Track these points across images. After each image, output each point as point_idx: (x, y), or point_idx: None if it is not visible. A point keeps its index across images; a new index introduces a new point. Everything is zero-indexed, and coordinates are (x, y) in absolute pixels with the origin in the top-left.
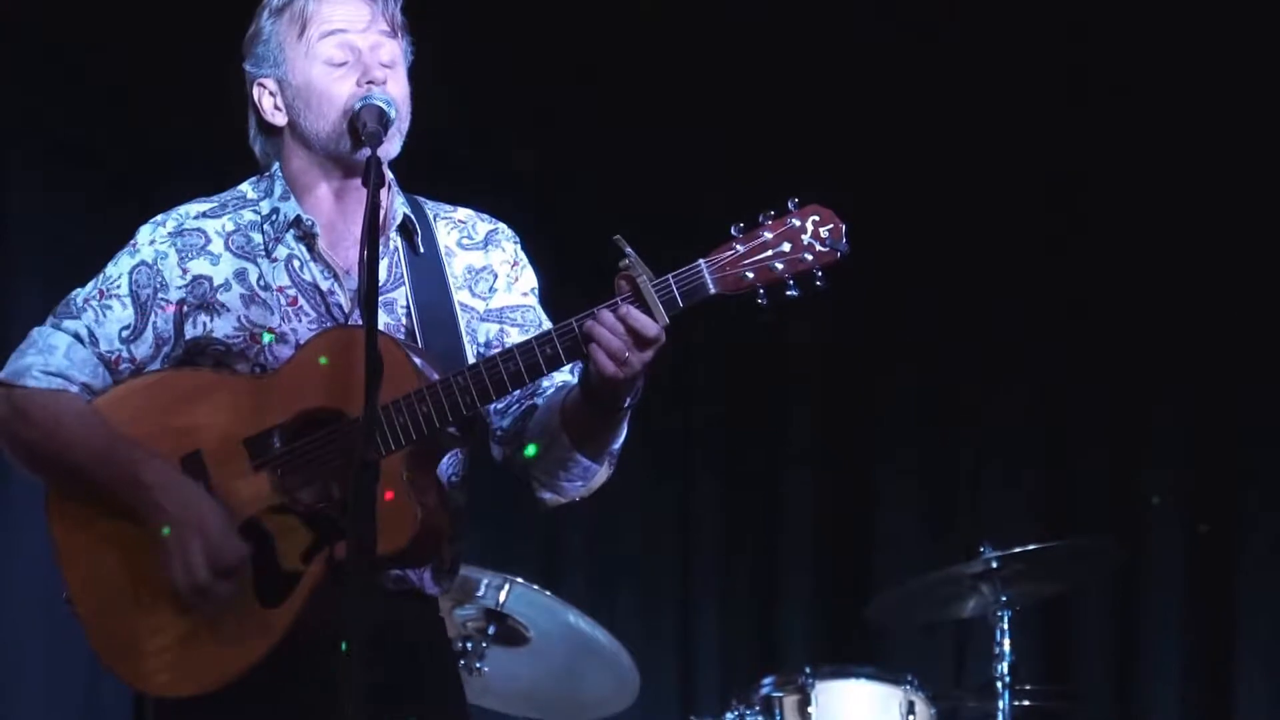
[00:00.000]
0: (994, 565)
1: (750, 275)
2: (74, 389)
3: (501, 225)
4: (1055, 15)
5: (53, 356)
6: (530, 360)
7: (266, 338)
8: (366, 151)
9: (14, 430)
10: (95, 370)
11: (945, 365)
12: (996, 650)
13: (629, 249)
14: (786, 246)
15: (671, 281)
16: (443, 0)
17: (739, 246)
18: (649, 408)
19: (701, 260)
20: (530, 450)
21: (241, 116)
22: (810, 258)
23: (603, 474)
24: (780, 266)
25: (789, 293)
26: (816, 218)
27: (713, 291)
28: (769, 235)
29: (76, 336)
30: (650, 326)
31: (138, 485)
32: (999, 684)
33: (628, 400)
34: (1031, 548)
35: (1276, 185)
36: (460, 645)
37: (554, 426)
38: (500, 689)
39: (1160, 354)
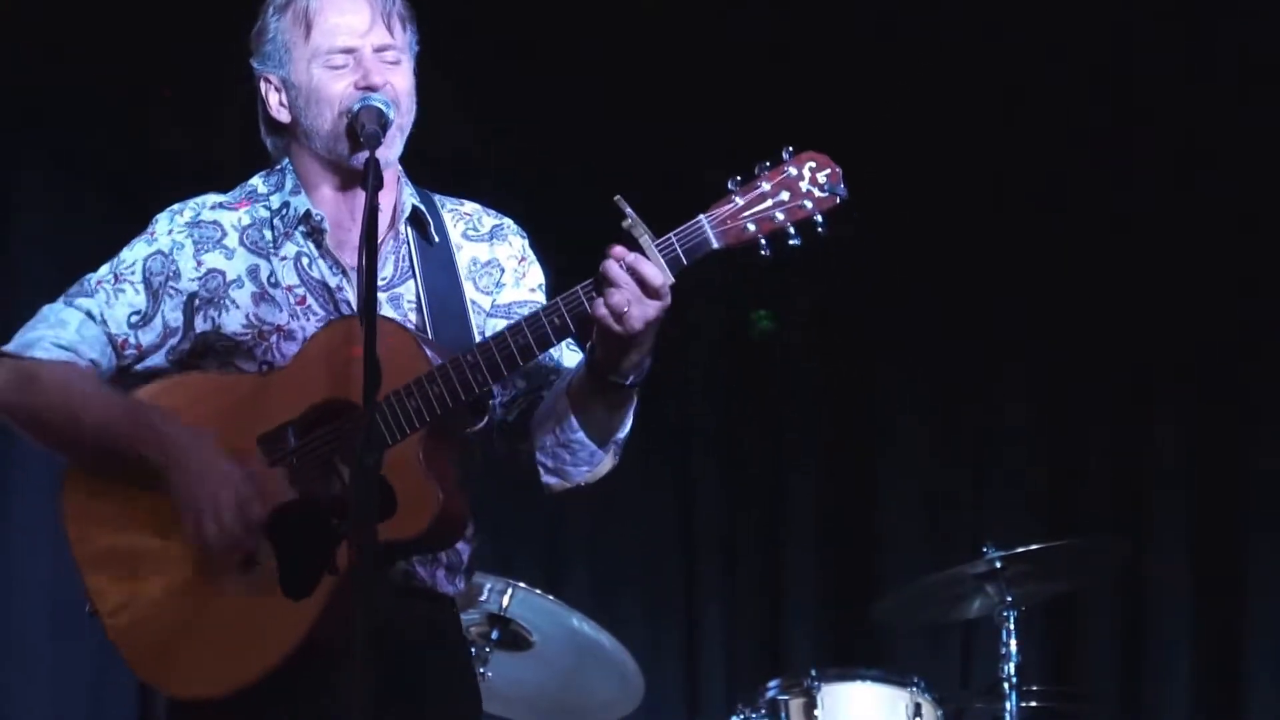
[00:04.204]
0: (998, 565)
1: (752, 227)
2: (83, 363)
3: (508, 220)
4: (1057, 11)
5: (64, 331)
6: (538, 332)
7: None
8: (364, 154)
9: (24, 399)
10: (104, 349)
11: (947, 364)
12: (1003, 651)
13: (629, 209)
14: (785, 195)
15: (674, 239)
16: None
17: (738, 199)
18: (650, 409)
19: (702, 215)
20: None
21: (246, 121)
22: (810, 204)
23: (608, 462)
24: (781, 216)
25: (791, 241)
26: (813, 164)
27: (716, 246)
28: (767, 185)
29: (89, 314)
30: (656, 274)
31: (159, 443)
32: (1005, 685)
33: (632, 376)
34: (1034, 547)
35: (1276, 183)
36: None
37: (560, 409)
38: (504, 694)
39: (1162, 351)
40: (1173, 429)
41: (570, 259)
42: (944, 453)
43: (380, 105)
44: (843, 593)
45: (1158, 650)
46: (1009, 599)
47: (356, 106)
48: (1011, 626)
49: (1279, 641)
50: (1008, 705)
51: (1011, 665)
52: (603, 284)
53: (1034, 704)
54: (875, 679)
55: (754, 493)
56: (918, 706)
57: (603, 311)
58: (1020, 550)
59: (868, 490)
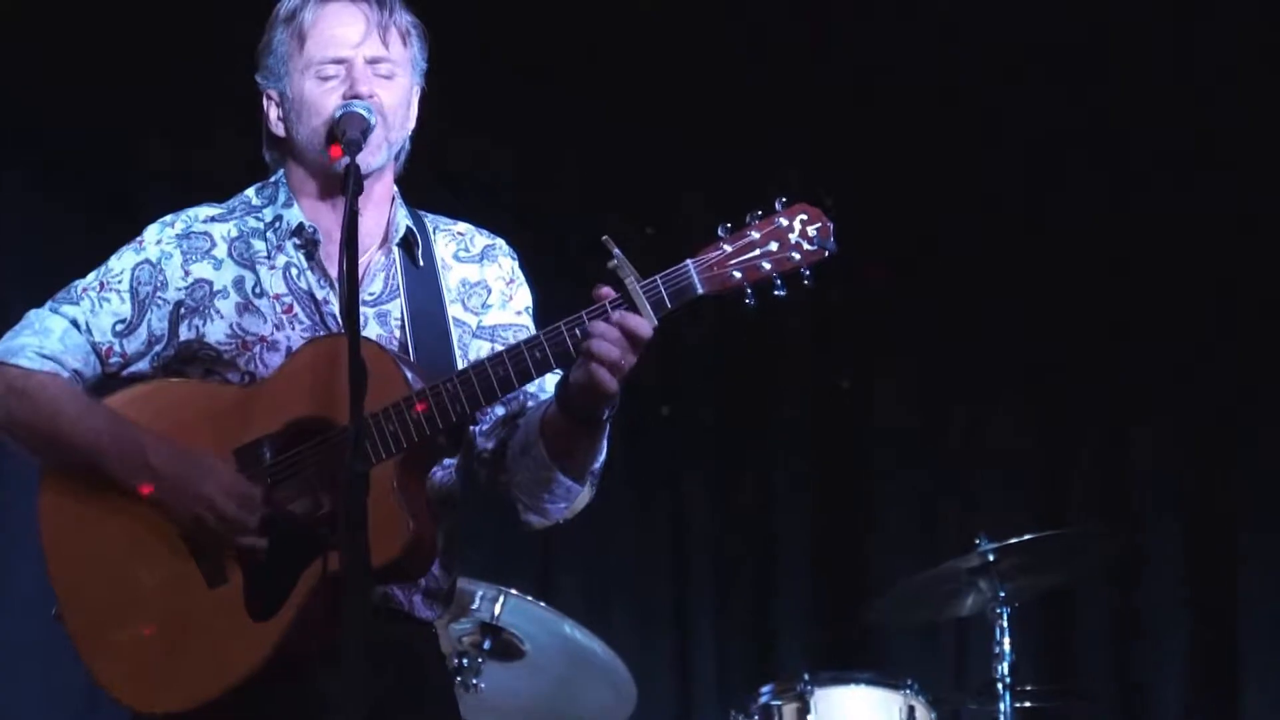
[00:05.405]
0: (990, 558)
1: (738, 275)
2: (65, 374)
3: (500, 241)
4: (1056, 11)
5: (48, 339)
6: (519, 365)
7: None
8: (345, 160)
9: (11, 408)
10: (87, 358)
11: (939, 361)
12: (996, 650)
13: (616, 250)
14: (774, 246)
15: (659, 282)
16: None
17: (726, 246)
18: (643, 414)
19: (689, 260)
20: None
21: (235, 134)
22: (798, 257)
23: (585, 495)
24: (768, 266)
25: (776, 292)
26: (804, 216)
27: (701, 291)
28: (756, 235)
29: (74, 322)
30: (644, 327)
31: (144, 460)
32: (999, 685)
33: (606, 411)
34: (1027, 538)
35: (1275, 183)
36: (455, 661)
37: (536, 449)
38: (497, 704)
39: (1158, 346)
40: (1170, 421)
41: (566, 260)
42: (936, 450)
43: (362, 111)
44: (835, 596)
45: (1152, 648)
46: (1002, 594)
47: (339, 113)
48: (1005, 624)
49: (1274, 638)
50: (1002, 705)
51: (1005, 665)
52: (596, 341)
53: (1029, 704)
54: (868, 682)
55: (745, 496)
56: (911, 709)
57: (600, 370)
58: (1012, 542)
59: (859, 492)
